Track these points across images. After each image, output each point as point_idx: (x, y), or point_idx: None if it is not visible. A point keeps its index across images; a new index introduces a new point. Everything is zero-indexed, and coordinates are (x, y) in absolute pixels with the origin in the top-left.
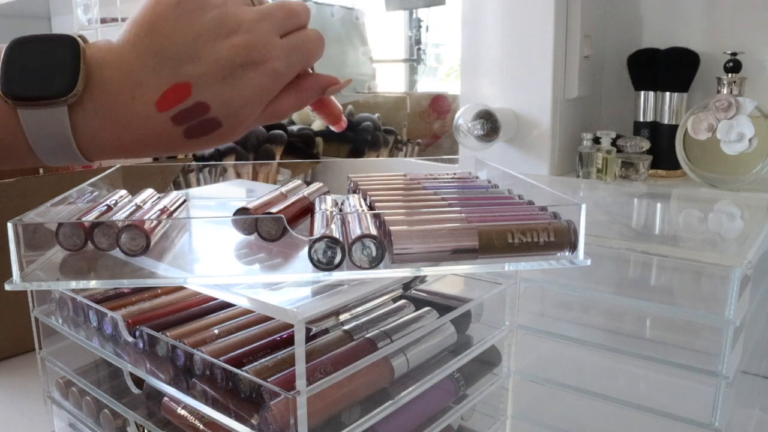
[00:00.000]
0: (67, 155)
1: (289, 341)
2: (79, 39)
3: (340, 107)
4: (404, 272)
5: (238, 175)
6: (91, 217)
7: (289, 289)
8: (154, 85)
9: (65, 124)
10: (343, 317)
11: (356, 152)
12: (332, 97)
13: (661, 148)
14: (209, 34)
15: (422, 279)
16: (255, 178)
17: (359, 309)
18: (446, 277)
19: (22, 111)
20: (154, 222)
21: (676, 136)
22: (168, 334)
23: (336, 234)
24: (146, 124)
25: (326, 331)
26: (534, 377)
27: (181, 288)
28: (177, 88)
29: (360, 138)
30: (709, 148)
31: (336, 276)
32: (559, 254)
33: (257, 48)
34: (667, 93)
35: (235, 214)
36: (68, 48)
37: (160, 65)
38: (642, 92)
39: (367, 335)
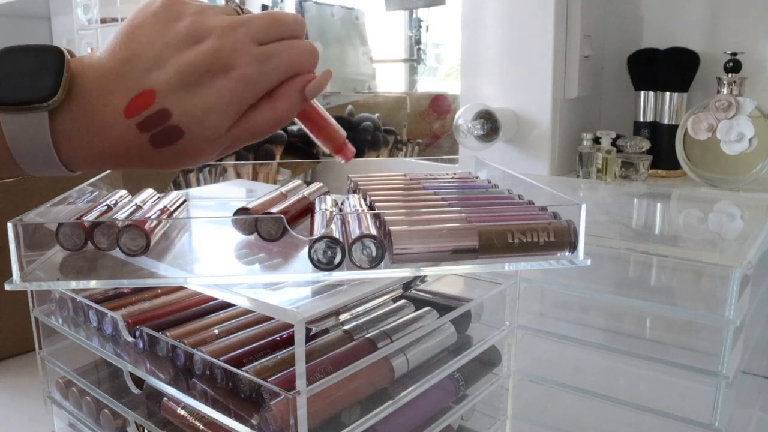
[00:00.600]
0: (47, 163)
1: (289, 341)
2: (65, 50)
3: (343, 132)
4: (404, 272)
5: (238, 175)
6: (91, 217)
7: (289, 289)
8: (124, 92)
9: (45, 131)
10: (343, 317)
11: (356, 152)
12: (330, 119)
13: (661, 148)
14: (178, 42)
15: (422, 279)
16: (255, 178)
17: (359, 309)
18: (446, 277)
19: (3, 116)
20: (154, 222)
21: (676, 136)
22: (168, 334)
23: (336, 234)
24: (115, 132)
25: (326, 331)
26: (534, 377)
27: (181, 288)
28: (143, 95)
29: (360, 138)
30: (709, 148)
31: (336, 276)
32: (559, 254)
33: (224, 54)
34: (667, 93)
35: (235, 214)
36: (54, 56)
37: (130, 73)
38: (642, 92)
39: (367, 335)
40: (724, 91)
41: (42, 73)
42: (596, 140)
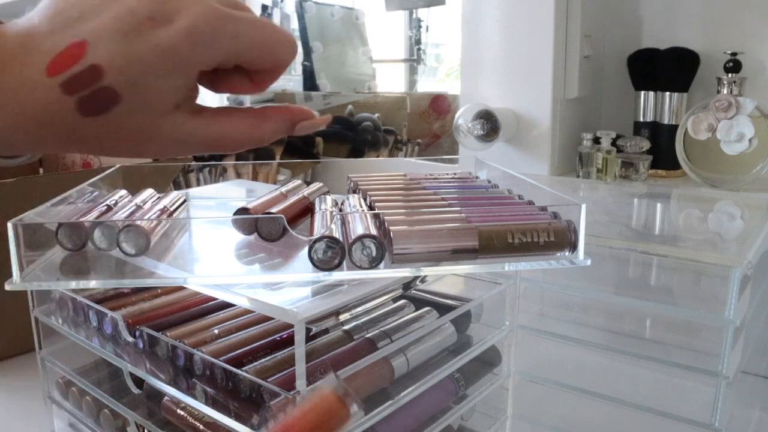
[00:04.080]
0: None
1: (289, 341)
2: None
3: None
4: (404, 272)
5: (238, 175)
6: (91, 217)
7: (289, 289)
8: (49, 47)
9: None
10: (343, 317)
11: (356, 152)
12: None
13: (661, 148)
14: None
15: (422, 279)
16: (255, 178)
17: (359, 309)
18: (446, 277)
19: None
20: (154, 222)
21: (676, 136)
22: (168, 334)
23: (336, 234)
24: (34, 94)
25: (326, 331)
26: (534, 377)
27: (181, 288)
28: (71, 48)
29: (360, 138)
30: (709, 148)
31: (336, 276)
32: (559, 254)
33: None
34: (667, 93)
35: (235, 214)
36: None
37: (60, 26)
38: (642, 92)
39: (367, 335)
40: (724, 91)
41: None
42: (596, 140)
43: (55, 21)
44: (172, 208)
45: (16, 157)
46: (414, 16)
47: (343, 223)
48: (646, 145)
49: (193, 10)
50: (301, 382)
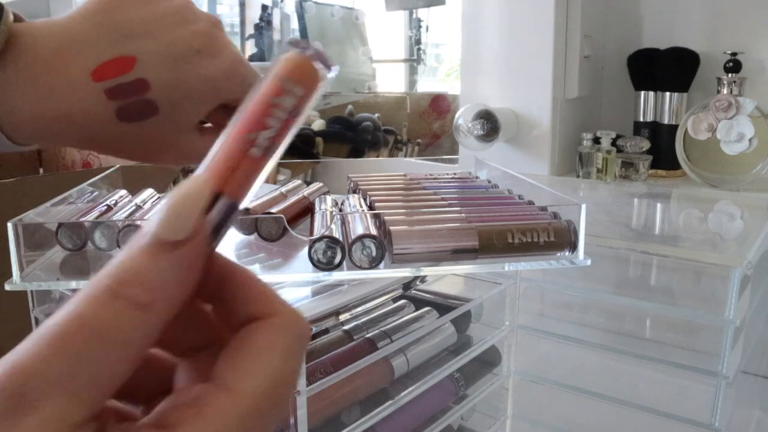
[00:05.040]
0: None
1: None
2: (5, 6)
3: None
4: (404, 272)
5: None
6: (91, 217)
7: (289, 289)
8: (95, 54)
9: None
10: (343, 317)
11: (356, 152)
12: None
13: (661, 148)
14: (171, 18)
15: (422, 279)
16: None
17: (359, 309)
18: (446, 277)
19: None
20: None
21: (676, 136)
22: None
23: (336, 234)
24: (75, 93)
25: (326, 331)
26: (534, 377)
27: None
28: (119, 60)
29: (360, 138)
30: (709, 148)
31: (336, 276)
32: (559, 254)
33: (218, 39)
34: (667, 93)
35: None
36: None
37: (107, 37)
38: (642, 92)
39: (367, 335)
40: (724, 91)
41: None
42: (596, 140)
43: (102, 32)
44: None
45: (23, 145)
46: (414, 16)
47: (343, 223)
48: (646, 145)
49: (232, 52)
50: (301, 382)
